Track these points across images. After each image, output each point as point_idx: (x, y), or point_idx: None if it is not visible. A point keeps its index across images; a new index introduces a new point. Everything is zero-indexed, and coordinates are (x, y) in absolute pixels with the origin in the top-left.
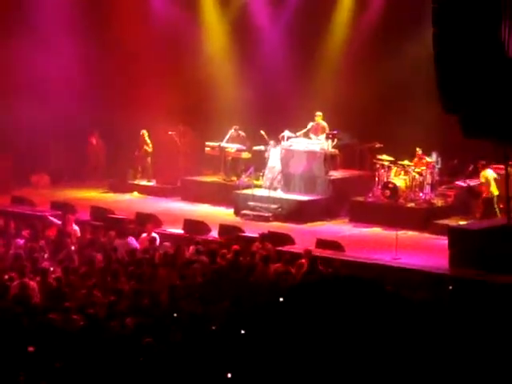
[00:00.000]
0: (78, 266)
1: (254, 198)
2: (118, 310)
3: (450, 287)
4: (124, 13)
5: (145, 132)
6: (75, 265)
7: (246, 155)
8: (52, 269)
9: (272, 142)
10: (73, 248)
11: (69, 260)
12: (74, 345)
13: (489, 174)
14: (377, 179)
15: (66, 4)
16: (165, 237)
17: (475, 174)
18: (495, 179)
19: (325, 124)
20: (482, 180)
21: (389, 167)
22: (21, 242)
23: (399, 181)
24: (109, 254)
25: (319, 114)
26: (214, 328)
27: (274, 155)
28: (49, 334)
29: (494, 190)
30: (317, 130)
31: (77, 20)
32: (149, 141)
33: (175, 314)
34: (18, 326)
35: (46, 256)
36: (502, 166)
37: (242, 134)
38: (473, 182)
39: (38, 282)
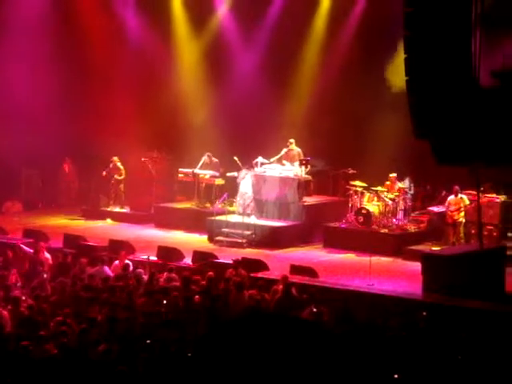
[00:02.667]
0: (50, 294)
1: (227, 224)
2: (91, 338)
3: (424, 313)
4: (97, 39)
5: (116, 158)
6: (47, 293)
7: (219, 181)
8: (24, 297)
9: (244, 168)
10: (45, 276)
11: (41, 288)
12: (47, 373)
13: (463, 198)
14: (350, 205)
15: (39, 30)
16: (138, 264)
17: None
18: (465, 205)
19: (299, 150)
20: (459, 205)
21: (362, 193)
22: None
23: (372, 207)
24: (80, 281)
25: (292, 141)
26: (189, 354)
27: (246, 181)
28: (21, 362)
29: (463, 216)
30: (290, 157)
31: (50, 47)
32: (121, 167)
33: (148, 341)
34: None
35: (18, 284)
36: (474, 192)
37: (215, 160)
38: (445, 208)
39: (10, 311)
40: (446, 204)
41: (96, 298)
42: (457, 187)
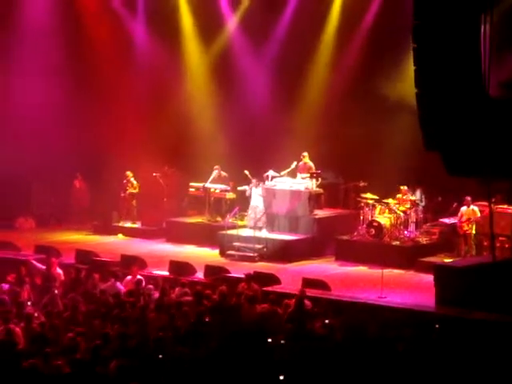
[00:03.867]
0: (62, 310)
1: (239, 238)
2: (104, 354)
3: (437, 325)
4: (106, 53)
5: (129, 173)
6: (59, 309)
7: (230, 195)
8: (36, 314)
9: (254, 181)
10: (56, 292)
11: (52, 304)
12: None
13: (475, 210)
14: (361, 218)
15: (48, 44)
16: (150, 279)
17: (459, 211)
18: (475, 217)
19: (311, 164)
20: (469, 216)
21: (373, 206)
22: (5, 286)
23: (384, 219)
24: (93, 297)
25: (305, 154)
26: (201, 369)
27: (257, 195)
28: (34, 379)
29: (473, 228)
30: (303, 170)
31: (59, 61)
32: (135, 182)
33: (160, 356)
34: (3, 373)
35: (30, 301)
36: (485, 203)
37: (224, 174)
38: (457, 219)
39: (23, 328)
40: (459, 215)
41: (108, 313)
42: (468, 198)
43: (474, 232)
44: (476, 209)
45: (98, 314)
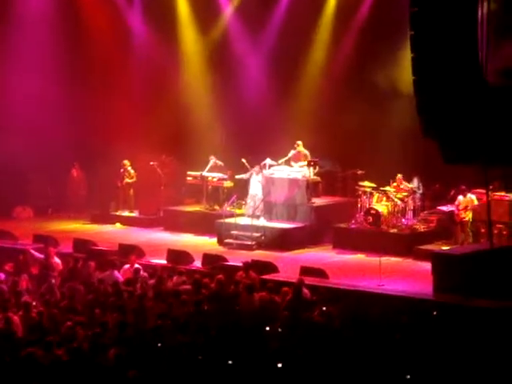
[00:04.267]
0: (60, 299)
1: (236, 226)
2: (102, 343)
3: (435, 313)
4: (103, 45)
5: (127, 162)
6: (56, 298)
7: (227, 184)
8: (34, 303)
9: (256, 168)
10: (53, 281)
11: (50, 293)
12: (59, 379)
13: (472, 198)
14: (359, 206)
15: (48, 36)
16: (148, 267)
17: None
18: (472, 205)
19: (306, 152)
20: (467, 204)
21: (371, 193)
22: (2, 276)
23: (381, 207)
24: (90, 285)
25: (299, 142)
26: (200, 358)
27: (255, 183)
28: (33, 368)
29: (469, 215)
30: (298, 158)
31: (56, 53)
32: (132, 171)
33: (159, 344)
34: (2, 361)
35: (28, 290)
36: (483, 191)
37: (220, 163)
38: (454, 207)
39: (21, 316)
40: (456, 203)
41: (106, 302)
42: (463, 187)
43: (470, 220)
44: (473, 197)
45: (96, 302)
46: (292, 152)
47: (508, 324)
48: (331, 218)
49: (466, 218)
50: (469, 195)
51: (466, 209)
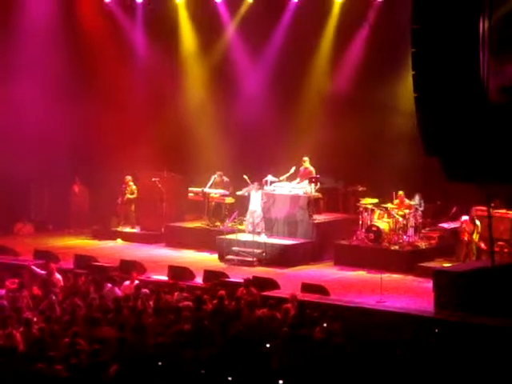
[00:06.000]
0: (61, 315)
1: (238, 242)
2: (103, 359)
3: (436, 330)
4: (105, 59)
5: (129, 178)
6: (57, 314)
7: (229, 200)
8: (35, 319)
9: (255, 184)
10: (54, 298)
11: (50, 309)
12: None
13: (477, 226)
14: (360, 222)
15: (50, 51)
16: (149, 284)
17: (459, 215)
18: (478, 232)
19: (312, 169)
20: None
21: (372, 210)
22: (2, 292)
23: (383, 224)
24: (90, 301)
25: (306, 158)
26: (202, 372)
27: (255, 199)
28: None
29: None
30: (304, 175)
31: (60, 67)
32: (134, 187)
33: (160, 362)
34: (3, 377)
35: (29, 306)
36: (484, 208)
37: (226, 179)
38: (456, 224)
39: (22, 333)
40: (461, 223)
41: (106, 318)
42: (473, 215)
43: (476, 239)
44: (478, 223)
45: (97, 319)
46: (294, 168)
47: (509, 342)
48: (332, 234)
49: (474, 238)
50: (476, 221)
51: (470, 231)
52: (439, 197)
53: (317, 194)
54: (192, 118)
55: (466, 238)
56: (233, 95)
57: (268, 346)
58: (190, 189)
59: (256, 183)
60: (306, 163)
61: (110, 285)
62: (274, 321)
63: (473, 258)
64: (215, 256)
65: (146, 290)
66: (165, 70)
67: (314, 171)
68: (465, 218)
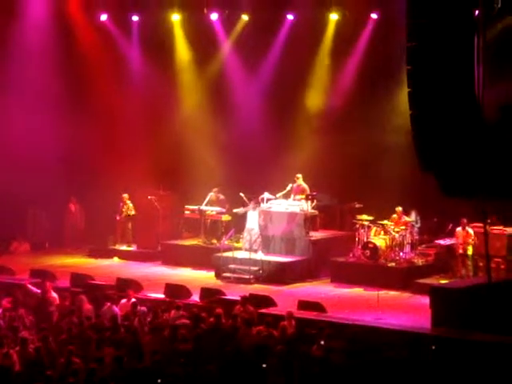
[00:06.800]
0: (57, 334)
1: (234, 260)
2: (99, 378)
3: (433, 347)
4: (101, 79)
5: (126, 195)
6: (54, 333)
7: (226, 218)
8: (31, 338)
9: (251, 205)
10: (50, 316)
11: (47, 328)
12: None
13: (470, 232)
14: (357, 239)
15: (45, 70)
16: (146, 302)
17: (455, 232)
18: (472, 239)
19: (305, 186)
20: (465, 238)
21: (368, 227)
22: None
23: (379, 240)
24: (87, 320)
25: (299, 175)
26: None
27: (252, 217)
28: None
29: (470, 249)
30: (297, 192)
31: (56, 87)
32: (131, 204)
33: (159, 380)
34: None
35: (25, 325)
36: (481, 225)
37: (222, 196)
38: (452, 241)
39: (18, 352)
40: (455, 235)
41: (103, 337)
42: (464, 220)
43: (470, 253)
44: (471, 231)
45: (94, 337)
46: (290, 185)
47: (506, 358)
48: (329, 251)
49: (467, 252)
50: (467, 228)
51: (466, 243)
52: (435, 214)
53: (313, 211)
54: (187, 135)
55: (460, 251)
56: (228, 112)
57: (265, 363)
58: (186, 206)
59: (252, 202)
60: (300, 180)
61: (108, 303)
62: (271, 338)
63: (470, 274)
64: (212, 274)
65: (143, 308)
66: (160, 87)
67: (307, 188)
68: (458, 229)
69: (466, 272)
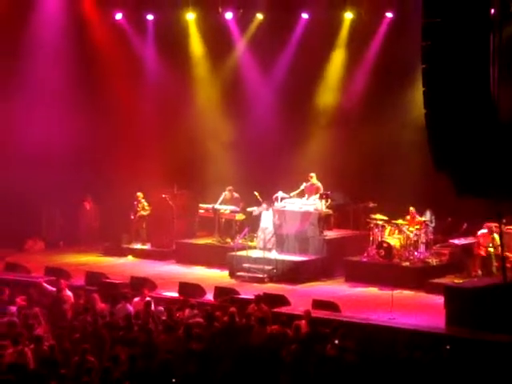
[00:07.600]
0: (72, 333)
1: (248, 259)
2: (114, 377)
3: (448, 346)
4: (116, 78)
5: (140, 194)
6: (69, 331)
7: (240, 217)
8: (46, 336)
9: (264, 205)
10: (65, 314)
11: (62, 326)
12: None
13: (495, 239)
14: (371, 239)
15: (59, 69)
16: (160, 300)
17: (470, 231)
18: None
19: (319, 184)
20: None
21: (383, 226)
22: (13, 308)
23: (393, 240)
24: (102, 319)
25: (313, 175)
26: None
27: (267, 216)
28: None
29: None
30: (311, 191)
31: (70, 85)
32: (146, 203)
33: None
34: None
35: (40, 323)
36: (495, 225)
37: (236, 195)
38: (467, 240)
39: (32, 350)
40: (478, 236)
41: (117, 335)
42: (491, 225)
43: (493, 255)
44: (496, 236)
45: (109, 336)
46: (304, 184)
47: None
48: (343, 250)
49: (488, 254)
50: (494, 234)
51: (488, 246)
52: (450, 213)
53: (327, 210)
54: (202, 133)
55: (481, 253)
56: (243, 111)
57: (279, 362)
58: (201, 205)
59: (265, 203)
60: (313, 179)
61: (122, 302)
62: (286, 337)
63: (493, 270)
64: (226, 273)
65: (160, 308)
66: (175, 86)
67: (321, 187)
68: (482, 231)
69: (488, 272)
